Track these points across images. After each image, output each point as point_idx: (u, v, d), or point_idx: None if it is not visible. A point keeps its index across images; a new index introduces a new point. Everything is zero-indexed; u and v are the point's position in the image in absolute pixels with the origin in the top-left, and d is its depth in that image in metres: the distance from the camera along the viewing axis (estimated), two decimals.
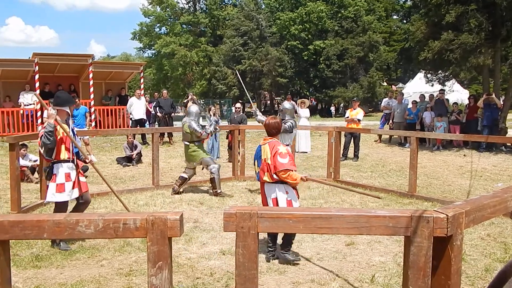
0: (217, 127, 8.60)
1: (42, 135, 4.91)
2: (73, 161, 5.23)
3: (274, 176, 4.59)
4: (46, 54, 16.52)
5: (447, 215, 2.21)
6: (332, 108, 34.84)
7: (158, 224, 2.16)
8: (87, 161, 5.51)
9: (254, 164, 4.95)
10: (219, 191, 7.80)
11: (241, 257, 2.25)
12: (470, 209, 2.39)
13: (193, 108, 8.11)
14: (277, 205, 4.64)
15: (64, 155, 5.12)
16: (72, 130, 5.35)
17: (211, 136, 8.49)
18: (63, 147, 5.10)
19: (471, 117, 14.12)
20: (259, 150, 4.85)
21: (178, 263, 4.62)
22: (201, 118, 8.26)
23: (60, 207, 5.18)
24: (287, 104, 7.95)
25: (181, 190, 8.01)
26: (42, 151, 5.13)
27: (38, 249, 5.05)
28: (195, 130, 7.73)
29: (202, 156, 7.90)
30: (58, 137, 5.05)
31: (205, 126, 8.23)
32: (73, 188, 5.16)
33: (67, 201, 5.20)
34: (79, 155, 5.45)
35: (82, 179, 5.39)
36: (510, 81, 15.07)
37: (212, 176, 7.85)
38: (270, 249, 4.88)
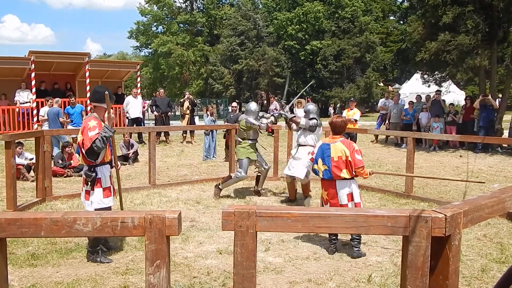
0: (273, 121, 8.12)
1: (98, 139, 4.47)
2: (110, 163, 4.94)
3: (353, 172, 4.84)
4: (43, 52, 16.43)
5: (445, 215, 2.22)
6: (330, 108, 34.82)
7: (156, 222, 2.15)
8: (116, 167, 5.12)
9: (317, 163, 4.99)
10: (221, 187, 7.64)
11: (239, 256, 2.25)
12: (468, 209, 2.40)
13: (253, 105, 7.89)
14: (352, 199, 4.89)
15: (107, 157, 4.83)
16: None
17: (271, 127, 8.03)
18: (107, 148, 4.80)
19: (467, 118, 14.17)
20: (326, 148, 4.91)
21: (175, 262, 4.61)
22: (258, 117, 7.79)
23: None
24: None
25: (259, 188, 7.91)
26: (85, 151, 4.59)
27: (34, 247, 5.02)
28: (252, 124, 7.52)
29: (243, 156, 7.61)
30: None
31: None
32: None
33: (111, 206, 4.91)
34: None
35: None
36: (506, 83, 15.13)
37: (230, 175, 7.86)
38: (333, 241, 5.01)
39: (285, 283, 4.21)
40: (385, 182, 9.11)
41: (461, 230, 2.33)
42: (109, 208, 4.72)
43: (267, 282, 4.21)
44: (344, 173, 4.81)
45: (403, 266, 2.31)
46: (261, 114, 7.91)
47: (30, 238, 5.11)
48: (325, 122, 23.84)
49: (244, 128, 7.60)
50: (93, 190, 4.68)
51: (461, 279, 4.17)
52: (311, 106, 7.65)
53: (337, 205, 4.83)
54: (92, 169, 4.68)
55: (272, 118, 7.94)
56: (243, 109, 38.87)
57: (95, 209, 4.58)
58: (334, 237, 5.02)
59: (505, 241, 5.37)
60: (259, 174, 7.90)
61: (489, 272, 4.43)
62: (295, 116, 7.52)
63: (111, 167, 4.98)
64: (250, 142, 7.66)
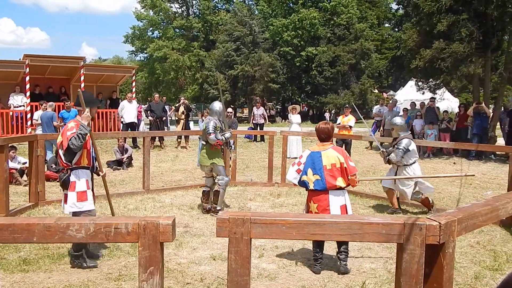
0: (231, 141, 7.42)
1: (73, 137, 4.46)
2: (91, 169, 4.87)
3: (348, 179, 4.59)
4: (37, 55, 16.39)
5: (439, 223, 2.22)
6: (327, 115, 34.84)
7: (150, 228, 2.14)
8: (100, 173, 5.05)
9: (307, 174, 4.59)
10: (219, 207, 6.85)
11: (234, 263, 2.24)
12: (462, 217, 2.40)
13: (216, 105, 7.14)
14: (346, 212, 4.57)
15: (85, 161, 4.73)
16: None
17: (223, 145, 7.10)
18: (85, 152, 4.71)
19: (461, 125, 14.25)
20: (317, 157, 4.57)
21: (168, 268, 4.58)
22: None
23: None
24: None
25: (209, 206, 6.99)
26: (62, 153, 4.65)
27: (26, 252, 4.98)
28: (207, 128, 6.82)
29: (214, 162, 6.90)
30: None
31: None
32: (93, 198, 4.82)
33: (94, 209, 4.80)
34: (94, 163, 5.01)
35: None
36: (500, 91, 15.25)
37: (217, 189, 6.93)
38: (318, 258, 4.64)
39: None
40: (379, 188, 9.10)
41: (455, 237, 2.33)
42: (84, 213, 4.61)
43: None
44: (340, 182, 4.52)
45: (397, 274, 2.31)
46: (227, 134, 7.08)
47: (22, 244, 5.06)
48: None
49: (204, 128, 7.01)
50: (67, 193, 4.66)
51: (454, 286, 4.17)
52: (399, 121, 7.14)
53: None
54: (65, 171, 4.69)
55: (228, 135, 7.07)
56: (238, 114, 38.98)
57: (69, 212, 4.63)
58: (319, 256, 4.65)
59: (498, 248, 5.38)
60: (218, 190, 6.94)
61: (483, 280, 4.44)
62: (388, 160, 7.08)
63: (93, 173, 4.93)
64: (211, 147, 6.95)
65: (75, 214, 4.61)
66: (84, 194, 4.67)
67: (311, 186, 4.56)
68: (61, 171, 4.75)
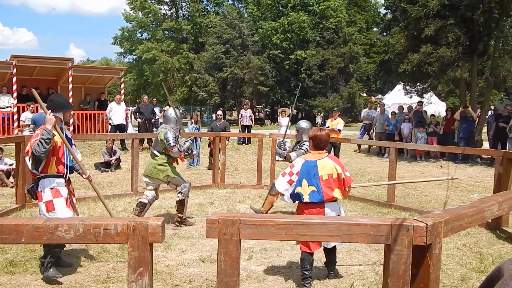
0: (193, 150, 6.77)
1: (36, 143, 4.08)
2: (64, 177, 4.45)
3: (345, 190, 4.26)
4: (25, 56, 16.23)
5: (426, 224, 2.26)
6: (318, 118, 34.91)
7: (139, 229, 2.14)
8: (84, 176, 4.76)
9: (301, 185, 4.15)
10: (184, 217, 6.40)
11: (223, 264, 2.25)
12: (449, 218, 2.44)
13: (171, 112, 6.49)
14: None
15: (53, 169, 4.34)
16: (70, 139, 4.59)
17: (184, 157, 6.53)
18: (53, 159, 4.32)
19: (448, 129, 14.41)
20: (312, 166, 4.15)
21: (157, 270, 4.57)
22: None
23: None
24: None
25: (184, 216, 6.44)
26: (29, 162, 4.33)
27: (13, 254, 4.93)
28: (167, 141, 6.14)
29: (169, 174, 6.25)
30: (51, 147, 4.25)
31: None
32: (66, 206, 4.38)
33: (69, 217, 4.26)
34: (73, 169, 4.68)
35: (74, 199, 4.64)
36: (486, 95, 15.46)
37: (181, 198, 6.35)
38: (307, 277, 4.23)
39: None
40: (367, 191, 9.18)
41: (442, 239, 2.37)
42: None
43: None
44: (337, 193, 4.16)
45: (385, 275, 2.34)
46: (181, 140, 6.45)
47: (9, 245, 5.01)
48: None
49: (163, 139, 6.23)
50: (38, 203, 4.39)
51: None
52: (305, 124, 7.07)
53: None
54: (33, 181, 4.37)
55: (188, 144, 6.52)
56: (227, 117, 38.95)
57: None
58: (309, 274, 4.25)
59: (484, 250, 5.45)
60: (182, 199, 6.39)
61: (469, 281, 4.49)
62: (286, 155, 6.76)
63: (67, 180, 4.50)
64: (167, 159, 6.29)
65: None
66: (50, 204, 4.29)
67: (306, 199, 4.12)
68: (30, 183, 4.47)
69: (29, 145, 4.20)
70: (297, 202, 4.30)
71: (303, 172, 4.16)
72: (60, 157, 4.39)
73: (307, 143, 6.85)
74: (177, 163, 6.56)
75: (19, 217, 6.52)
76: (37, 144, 4.08)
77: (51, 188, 4.32)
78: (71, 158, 4.56)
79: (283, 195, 4.37)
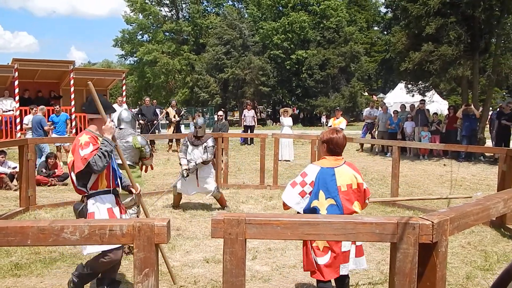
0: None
1: (97, 156, 3.53)
2: (114, 192, 3.87)
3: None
4: (26, 60, 16.27)
5: (432, 222, 2.25)
6: (323, 118, 34.72)
7: (145, 230, 2.14)
8: (134, 191, 4.15)
9: (318, 198, 3.43)
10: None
11: (229, 264, 2.24)
12: (455, 216, 2.43)
13: (124, 114, 5.67)
14: (361, 247, 3.58)
15: (103, 183, 3.74)
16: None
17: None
18: (103, 172, 3.70)
19: (450, 127, 14.38)
20: (330, 175, 3.47)
21: (162, 271, 4.56)
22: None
23: (112, 259, 3.72)
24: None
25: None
26: (74, 177, 3.68)
27: (18, 257, 4.93)
28: (145, 147, 5.48)
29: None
30: None
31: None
32: None
33: (121, 246, 3.75)
34: (121, 182, 4.09)
35: (124, 216, 3.94)
36: (488, 93, 15.44)
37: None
38: None
39: None
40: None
41: (448, 236, 2.36)
42: (117, 251, 3.72)
43: None
44: (356, 206, 3.51)
45: (391, 273, 2.33)
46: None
47: (14, 248, 5.02)
48: (310, 131, 23.70)
49: (138, 147, 5.41)
50: None
51: (446, 286, 4.21)
52: (201, 121, 7.45)
53: (341, 254, 3.40)
54: (81, 200, 3.74)
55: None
56: (229, 117, 38.95)
57: (87, 254, 3.76)
58: None
59: (489, 248, 5.44)
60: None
61: (474, 280, 4.48)
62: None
63: (117, 197, 3.92)
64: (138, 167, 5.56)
65: (104, 254, 3.68)
66: None
67: (324, 213, 3.40)
68: (77, 202, 3.80)
69: (75, 157, 3.59)
70: None
71: (319, 182, 3.44)
72: (108, 170, 3.80)
73: (211, 138, 7.24)
74: (146, 171, 6.03)
75: (24, 219, 6.53)
76: (99, 157, 3.53)
77: (107, 209, 3.72)
78: (122, 168, 4.06)
79: (288, 207, 3.53)
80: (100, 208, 3.67)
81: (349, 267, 3.47)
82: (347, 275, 3.61)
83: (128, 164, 4.64)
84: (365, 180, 3.86)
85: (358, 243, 3.50)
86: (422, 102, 15.58)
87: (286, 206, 3.54)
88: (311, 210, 3.42)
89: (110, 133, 3.72)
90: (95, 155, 3.53)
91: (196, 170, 7.16)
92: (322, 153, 3.69)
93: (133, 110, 22.42)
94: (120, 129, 5.31)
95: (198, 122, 7.38)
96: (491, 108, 16.15)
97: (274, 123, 34.71)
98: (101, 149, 3.57)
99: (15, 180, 9.04)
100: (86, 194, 3.67)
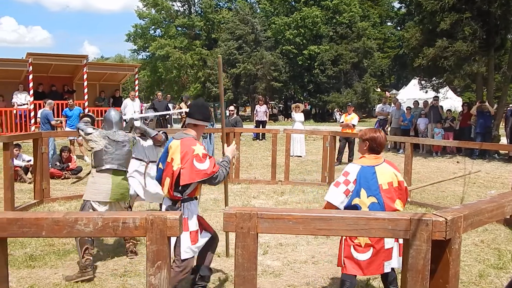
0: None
1: (221, 171, 3.67)
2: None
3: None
4: (41, 54, 16.43)
5: (446, 219, 2.22)
6: (337, 113, 34.43)
7: (157, 223, 2.15)
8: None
9: (359, 196, 3.48)
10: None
11: (240, 258, 2.24)
12: (469, 213, 2.40)
13: (114, 114, 5.00)
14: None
15: (198, 191, 3.84)
16: None
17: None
18: None
19: (464, 124, 14.24)
20: (371, 173, 3.51)
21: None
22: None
23: (188, 264, 3.79)
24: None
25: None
26: (172, 182, 3.66)
27: (32, 248, 5.01)
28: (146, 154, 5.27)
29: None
30: None
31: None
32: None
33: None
34: None
35: None
36: (503, 89, 15.21)
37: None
38: None
39: (283, 286, 4.21)
40: None
41: (461, 234, 2.34)
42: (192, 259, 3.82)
43: (266, 285, 4.21)
44: (398, 205, 3.53)
45: (403, 270, 2.32)
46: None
47: (28, 240, 5.09)
48: (322, 127, 23.56)
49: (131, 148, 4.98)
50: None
51: (459, 284, 4.18)
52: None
53: (382, 251, 3.44)
54: (176, 204, 3.71)
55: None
56: (241, 112, 38.95)
57: (184, 259, 3.71)
58: None
59: (502, 247, 5.38)
60: None
61: (487, 278, 4.44)
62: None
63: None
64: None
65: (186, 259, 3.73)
66: (195, 235, 3.71)
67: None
68: (170, 204, 3.75)
69: (185, 168, 3.55)
70: None
71: (361, 180, 3.49)
72: None
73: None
74: None
75: (38, 211, 6.61)
76: (222, 173, 3.69)
77: (197, 215, 3.80)
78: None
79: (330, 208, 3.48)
80: (193, 214, 3.73)
81: (392, 264, 3.52)
82: (392, 272, 3.70)
83: (123, 170, 4.70)
84: None
85: (401, 241, 3.38)
86: (436, 98, 15.42)
87: (328, 207, 3.53)
88: (352, 207, 3.48)
89: (231, 154, 4.00)
90: (219, 171, 3.64)
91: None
92: (361, 151, 3.75)
93: (145, 104, 22.54)
94: (114, 132, 4.78)
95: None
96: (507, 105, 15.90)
97: (286, 119, 34.63)
98: (225, 167, 3.75)
99: (29, 173, 9.17)
100: (181, 199, 3.69)
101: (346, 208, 3.48)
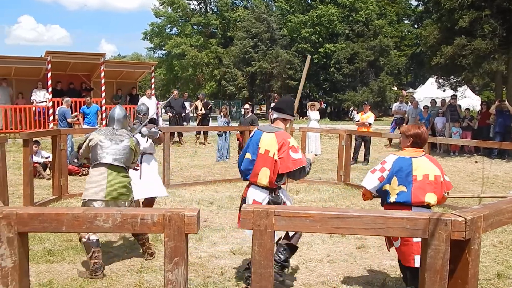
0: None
1: (308, 167, 4.02)
2: None
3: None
4: (59, 52, 16.64)
5: (465, 219, 2.20)
6: (354, 112, 34.10)
7: (175, 220, 2.17)
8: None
9: (390, 183, 3.66)
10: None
11: (257, 255, 2.25)
12: (489, 213, 2.37)
13: (119, 111, 4.75)
14: None
15: (285, 181, 4.22)
16: None
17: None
18: None
19: (483, 124, 14.03)
20: (407, 164, 3.63)
21: (189, 261, 4.62)
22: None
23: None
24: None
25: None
26: (273, 173, 3.91)
27: (51, 244, 5.08)
28: (137, 147, 4.72)
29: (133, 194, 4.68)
30: None
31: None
32: None
33: None
34: None
35: None
36: None
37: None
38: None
39: (298, 285, 4.20)
40: None
41: (481, 234, 2.31)
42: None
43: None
44: (429, 197, 3.57)
45: (421, 269, 2.30)
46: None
47: (47, 235, 5.17)
48: (338, 126, 23.44)
49: (134, 149, 4.63)
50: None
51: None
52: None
53: (414, 244, 3.49)
54: (274, 192, 4.01)
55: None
56: (256, 111, 38.94)
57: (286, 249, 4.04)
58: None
59: None
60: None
61: (506, 280, 4.38)
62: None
63: None
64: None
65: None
66: None
67: (393, 199, 3.65)
68: (272, 193, 4.01)
69: (283, 157, 3.87)
70: None
71: (395, 169, 3.67)
72: None
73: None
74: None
75: (58, 207, 6.71)
76: (308, 169, 4.04)
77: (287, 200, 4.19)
78: None
79: (367, 196, 3.92)
80: (288, 199, 4.17)
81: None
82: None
83: (120, 166, 4.41)
84: None
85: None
86: (454, 97, 15.22)
87: (365, 194, 3.92)
88: (382, 191, 3.75)
89: (313, 159, 4.24)
90: (306, 165, 3.97)
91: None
92: (404, 146, 3.88)
93: (161, 102, 22.65)
94: (114, 129, 4.58)
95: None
96: None
97: (301, 117, 34.53)
98: (310, 164, 4.08)
99: (48, 169, 9.30)
100: (276, 187, 4.02)
101: (377, 191, 3.77)
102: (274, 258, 3.90)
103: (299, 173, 3.96)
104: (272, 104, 4.59)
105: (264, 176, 3.93)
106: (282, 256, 4.03)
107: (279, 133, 3.98)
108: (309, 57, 4.37)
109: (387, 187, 3.68)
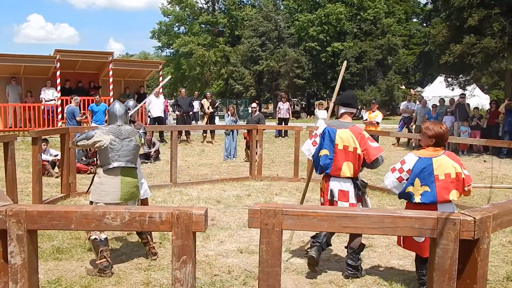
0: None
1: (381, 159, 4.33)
2: None
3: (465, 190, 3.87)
4: (68, 51, 16.74)
5: (474, 218, 2.19)
6: (363, 111, 33.98)
7: (183, 218, 2.18)
8: None
9: (413, 185, 3.79)
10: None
11: (265, 254, 2.25)
12: (498, 213, 2.36)
13: (118, 107, 4.74)
14: None
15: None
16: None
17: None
18: None
19: (492, 123, 13.93)
20: (428, 164, 3.75)
21: (196, 260, 4.63)
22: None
23: None
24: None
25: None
26: (369, 163, 4.35)
27: (59, 241, 5.12)
28: (143, 144, 4.93)
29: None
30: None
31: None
32: None
33: None
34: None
35: None
36: None
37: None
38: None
39: (306, 284, 4.20)
40: None
41: (490, 233, 2.29)
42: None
43: (288, 282, 4.21)
44: (453, 195, 3.74)
45: (430, 269, 2.29)
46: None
47: (55, 233, 5.21)
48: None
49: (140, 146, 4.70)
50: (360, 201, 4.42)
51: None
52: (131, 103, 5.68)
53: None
54: (354, 181, 4.37)
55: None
56: (263, 110, 38.93)
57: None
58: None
59: None
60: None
61: None
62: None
63: None
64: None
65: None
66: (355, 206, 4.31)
67: (417, 199, 3.77)
68: (354, 181, 4.41)
69: (367, 148, 4.27)
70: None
71: (416, 170, 3.77)
72: None
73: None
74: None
75: (67, 205, 6.76)
76: (381, 161, 4.37)
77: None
78: None
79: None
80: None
81: None
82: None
83: (132, 167, 4.44)
84: None
85: None
86: (462, 96, 15.12)
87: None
88: (405, 194, 3.87)
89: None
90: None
91: None
92: (425, 144, 3.92)
93: (168, 101, 22.73)
94: (118, 126, 4.48)
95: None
96: None
97: (308, 116, 34.46)
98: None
99: (56, 167, 9.37)
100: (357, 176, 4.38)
101: (400, 194, 3.93)
102: (346, 262, 4.32)
103: (378, 161, 4.30)
104: (333, 99, 5.19)
105: (347, 169, 4.27)
106: (350, 262, 4.33)
107: (353, 128, 4.32)
108: (345, 62, 4.61)
109: (410, 189, 3.80)
